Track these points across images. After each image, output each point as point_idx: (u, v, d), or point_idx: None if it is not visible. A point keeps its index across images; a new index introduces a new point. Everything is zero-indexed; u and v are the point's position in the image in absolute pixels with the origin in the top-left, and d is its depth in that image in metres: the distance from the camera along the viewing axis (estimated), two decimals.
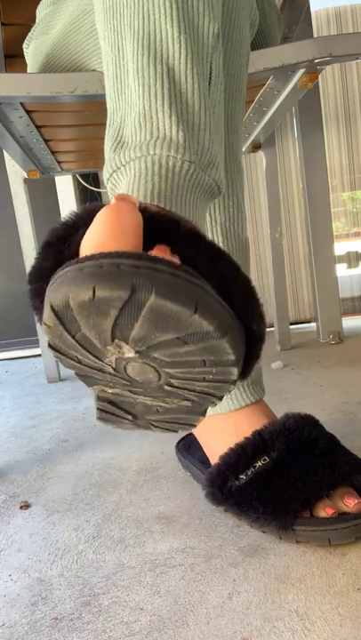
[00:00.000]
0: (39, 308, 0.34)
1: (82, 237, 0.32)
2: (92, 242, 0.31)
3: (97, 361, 0.34)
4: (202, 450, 0.63)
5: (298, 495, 0.52)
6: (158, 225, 0.33)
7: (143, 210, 0.34)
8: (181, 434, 0.73)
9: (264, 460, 0.55)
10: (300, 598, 0.44)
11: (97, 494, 0.68)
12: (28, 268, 0.33)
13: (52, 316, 0.31)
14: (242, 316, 0.33)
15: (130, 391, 0.38)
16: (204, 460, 0.63)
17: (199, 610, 0.44)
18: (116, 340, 0.31)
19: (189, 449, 0.69)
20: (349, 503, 0.51)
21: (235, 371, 0.34)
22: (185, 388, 0.36)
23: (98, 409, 0.42)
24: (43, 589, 0.50)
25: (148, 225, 0.33)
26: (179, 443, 0.72)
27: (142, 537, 0.57)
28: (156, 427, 0.43)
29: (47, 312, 0.31)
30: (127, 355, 0.32)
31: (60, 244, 0.33)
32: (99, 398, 0.41)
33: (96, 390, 0.39)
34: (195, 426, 0.41)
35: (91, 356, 0.34)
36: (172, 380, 0.35)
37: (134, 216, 0.31)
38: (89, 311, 0.29)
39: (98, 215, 0.31)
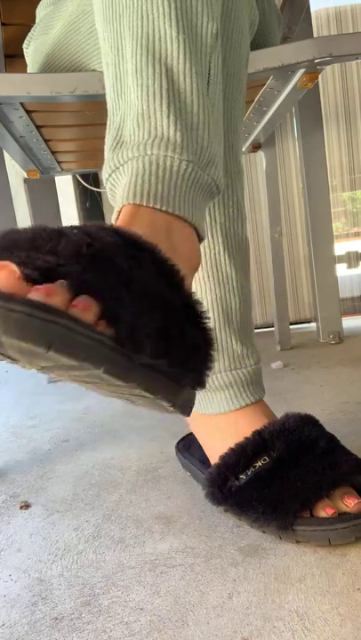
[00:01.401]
0: None
1: None
2: None
3: (19, 363, 0.34)
4: (202, 450, 0.63)
5: (298, 495, 0.52)
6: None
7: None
8: (181, 434, 0.73)
9: (264, 460, 0.55)
10: (300, 598, 0.44)
11: (97, 494, 0.68)
12: None
13: None
14: (132, 348, 0.32)
15: (86, 384, 0.37)
16: (204, 460, 0.63)
17: (199, 610, 0.44)
18: (8, 358, 0.31)
19: (189, 449, 0.69)
20: (349, 503, 0.51)
21: (143, 393, 0.33)
22: (120, 394, 0.35)
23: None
24: (43, 589, 0.50)
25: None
26: (179, 443, 0.72)
27: (142, 537, 0.56)
28: (152, 410, 0.42)
29: None
30: (35, 369, 0.32)
31: None
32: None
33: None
34: (187, 414, 0.39)
35: (14, 361, 0.34)
36: (101, 389, 0.35)
37: (11, 287, 0.30)
38: None
39: None
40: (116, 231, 0.35)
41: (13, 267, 0.31)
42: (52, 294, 0.30)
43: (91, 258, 0.32)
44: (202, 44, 0.46)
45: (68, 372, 0.31)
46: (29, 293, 0.30)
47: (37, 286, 0.30)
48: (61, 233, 0.32)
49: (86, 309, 0.31)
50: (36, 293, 0.30)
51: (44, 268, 0.31)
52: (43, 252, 0.31)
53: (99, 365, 0.30)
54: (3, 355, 0.31)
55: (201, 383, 0.36)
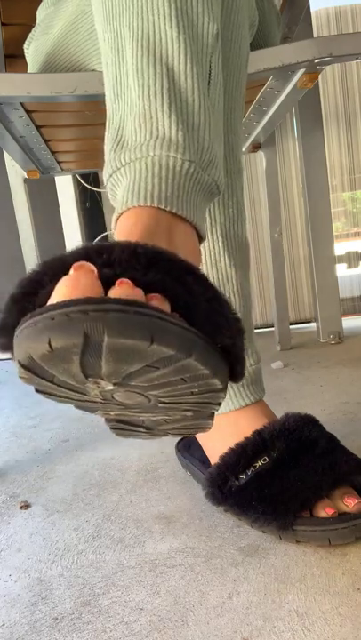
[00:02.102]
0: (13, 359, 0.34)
1: (46, 295, 0.32)
2: None
3: (83, 396, 0.35)
4: (202, 450, 0.63)
5: (298, 495, 0.52)
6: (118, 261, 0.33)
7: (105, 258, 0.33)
8: None
9: (264, 460, 0.55)
10: (300, 598, 0.44)
11: (97, 494, 0.68)
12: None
13: (22, 370, 0.32)
14: (209, 331, 0.33)
15: (130, 412, 0.38)
16: (204, 460, 0.63)
17: (199, 610, 0.44)
18: (90, 379, 0.32)
19: (189, 449, 0.69)
20: (349, 503, 0.51)
21: (216, 382, 0.34)
22: (178, 403, 0.36)
23: (111, 428, 0.42)
24: (43, 589, 0.50)
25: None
26: (179, 443, 0.72)
27: (142, 537, 0.57)
28: (172, 434, 0.44)
29: (18, 368, 0.32)
30: (107, 388, 0.33)
31: (25, 301, 0.33)
32: (107, 420, 0.41)
33: (100, 415, 0.39)
34: (209, 428, 0.42)
35: (77, 394, 0.35)
36: (162, 399, 0.36)
37: (91, 284, 0.31)
38: (53, 361, 0.30)
39: (57, 287, 0.31)
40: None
41: (91, 266, 0.31)
42: (133, 290, 0.31)
43: (148, 258, 0.33)
44: (202, 44, 0.46)
45: (153, 374, 0.32)
46: (113, 291, 0.31)
47: (119, 281, 0.31)
48: (109, 245, 0.33)
49: (162, 303, 0.32)
50: (120, 289, 0.31)
51: (105, 280, 0.32)
52: (98, 265, 0.32)
53: (190, 352, 0.31)
54: (86, 376, 0.32)
55: (243, 374, 0.37)
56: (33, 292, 0.33)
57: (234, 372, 0.36)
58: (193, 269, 0.35)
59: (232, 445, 0.57)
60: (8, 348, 0.33)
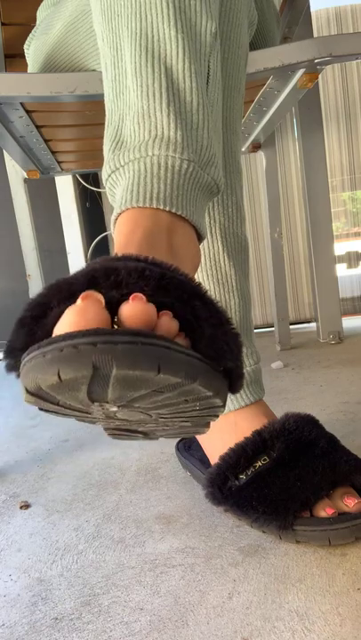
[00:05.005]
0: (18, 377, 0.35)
1: (53, 320, 0.32)
2: None
3: (87, 415, 0.35)
4: (202, 450, 0.63)
5: (298, 495, 0.52)
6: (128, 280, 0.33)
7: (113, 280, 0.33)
8: None
9: (264, 460, 0.55)
10: (300, 598, 0.44)
11: (97, 494, 0.68)
12: (6, 343, 0.34)
13: (29, 396, 0.32)
14: (213, 356, 0.34)
15: (130, 423, 0.39)
16: (204, 460, 0.63)
17: (199, 610, 0.44)
18: (95, 403, 0.32)
19: (189, 449, 0.69)
20: (349, 503, 0.51)
21: (217, 400, 0.35)
22: (178, 418, 0.37)
23: (108, 434, 0.43)
24: (43, 589, 0.50)
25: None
26: (179, 443, 0.72)
27: (142, 537, 0.56)
28: (167, 437, 0.44)
29: (24, 393, 0.32)
30: (111, 409, 0.34)
31: (32, 325, 0.33)
32: (105, 429, 0.41)
33: (99, 425, 0.40)
34: (205, 432, 0.42)
35: (80, 413, 0.35)
36: (163, 415, 0.36)
37: (98, 315, 0.31)
38: (61, 389, 0.30)
39: (64, 316, 0.31)
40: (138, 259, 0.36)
41: (98, 295, 0.31)
42: (145, 306, 0.31)
43: (156, 280, 0.33)
44: (201, 43, 0.46)
45: (157, 397, 0.33)
46: (124, 307, 0.31)
47: (133, 295, 0.31)
48: (116, 266, 0.33)
49: (171, 328, 0.32)
50: (132, 306, 0.31)
51: (112, 304, 0.32)
52: (105, 288, 0.32)
53: (195, 378, 0.32)
54: (94, 401, 0.32)
55: (241, 387, 0.38)
56: (40, 315, 0.33)
57: (234, 387, 0.37)
58: (201, 293, 0.35)
59: (232, 445, 0.56)
60: (14, 369, 0.33)
